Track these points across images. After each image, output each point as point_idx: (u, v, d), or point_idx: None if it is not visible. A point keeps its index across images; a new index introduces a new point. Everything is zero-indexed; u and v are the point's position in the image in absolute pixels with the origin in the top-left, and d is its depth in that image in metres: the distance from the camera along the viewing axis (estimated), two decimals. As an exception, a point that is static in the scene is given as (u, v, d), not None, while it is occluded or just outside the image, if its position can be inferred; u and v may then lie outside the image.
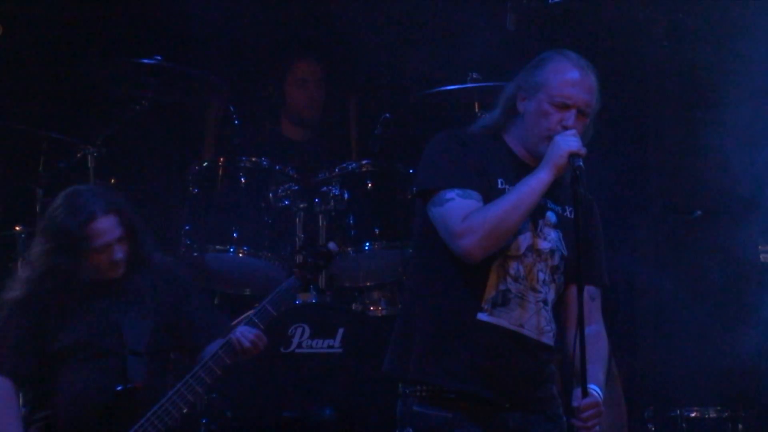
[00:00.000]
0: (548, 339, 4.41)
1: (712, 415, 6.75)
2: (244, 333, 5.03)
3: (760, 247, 6.89)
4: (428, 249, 4.43)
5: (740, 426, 6.76)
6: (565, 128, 4.33)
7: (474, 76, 6.99)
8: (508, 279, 4.35)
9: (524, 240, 4.37)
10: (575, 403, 4.24)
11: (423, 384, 4.36)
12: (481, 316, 4.33)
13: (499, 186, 4.38)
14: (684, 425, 6.72)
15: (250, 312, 5.17)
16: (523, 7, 6.81)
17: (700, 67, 6.97)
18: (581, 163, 4.29)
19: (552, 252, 4.42)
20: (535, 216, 4.38)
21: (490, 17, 7.25)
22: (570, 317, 4.47)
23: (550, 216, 4.43)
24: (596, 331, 4.47)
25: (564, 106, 4.35)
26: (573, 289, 4.42)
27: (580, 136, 4.34)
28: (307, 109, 7.57)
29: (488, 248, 4.28)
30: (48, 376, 5.01)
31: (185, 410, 5.02)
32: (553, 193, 4.40)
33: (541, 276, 4.38)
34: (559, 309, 4.50)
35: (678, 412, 6.76)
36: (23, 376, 5.02)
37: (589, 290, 4.46)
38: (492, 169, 4.39)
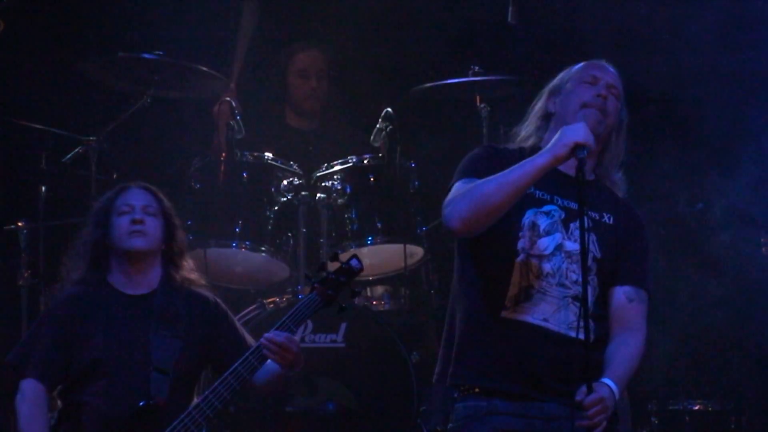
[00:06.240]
0: (581, 334, 4.30)
1: (715, 407, 6.75)
2: (273, 336, 4.97)
3: (762, 239, 6.89)
4: (461, 254, 4.49)
5: (743, 418, 6.76)
6: (599, 96, 4.43)
7: (475, 70, 7.00)
8: (531, 276, 4.37)
9: (551, 241, 4.40)
10: (578, 398, 4.24)
11: (458, 386, 4.44)
12: (504, 314, 4.38)
13: (530, 189, 4.39)
14: (687, 418, 6.72)
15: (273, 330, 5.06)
16: (523, 1, 6.81)
17: (701, 65, 6.96)
18: (585, 154, 4.28)
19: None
20: (567, 219, 4.41)
21: (491, 11, 7.24)
22: (611, 319, 4.47)
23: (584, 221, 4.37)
24: (629, 334, 4.43)
25: (594, 80, 4.48)
26: (613, 292, 4.46)
27: (609, 116, 4.43)
28: (308, 100, 7.56)
29: (470, 221, 4.29)
30: (74, 387, 5.00)
31: (204, 429, 5.00)
32: (591, 200, 4.42)
33: (573, 276, 4.40)
34: (603, 310, 4.47)
35: (681, 405, 6.76)
36: (51, 381, 4.99)
37: (627, 291, 4.46)
38: None
